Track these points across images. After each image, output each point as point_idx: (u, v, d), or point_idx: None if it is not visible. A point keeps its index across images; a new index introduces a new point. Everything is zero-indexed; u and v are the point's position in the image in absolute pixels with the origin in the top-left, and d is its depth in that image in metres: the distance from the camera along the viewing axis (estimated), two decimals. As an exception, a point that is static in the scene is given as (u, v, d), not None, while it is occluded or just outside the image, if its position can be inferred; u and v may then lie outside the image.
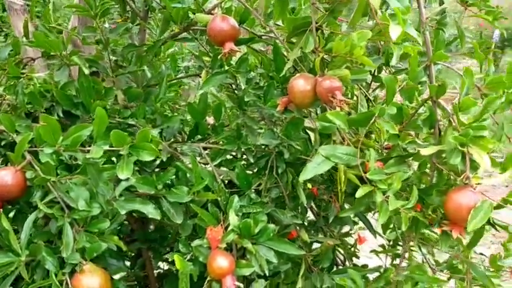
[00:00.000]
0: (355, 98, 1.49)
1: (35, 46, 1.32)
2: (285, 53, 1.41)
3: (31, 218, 1.16)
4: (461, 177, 0.99)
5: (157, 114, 1.52)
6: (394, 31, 0.97)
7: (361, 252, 1.85)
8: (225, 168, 1.59)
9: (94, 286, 1.15)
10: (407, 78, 1.13)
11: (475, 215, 0.94)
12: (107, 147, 1.09)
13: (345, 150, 1.11)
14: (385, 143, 1.31)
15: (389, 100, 1.08)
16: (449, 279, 1.55)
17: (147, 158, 1.10)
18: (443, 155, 1.05)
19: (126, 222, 1.77)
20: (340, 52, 1.18)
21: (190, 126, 1.69)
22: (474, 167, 1.02)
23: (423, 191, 1.10)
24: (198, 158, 1.56)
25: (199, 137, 1.62)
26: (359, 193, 1.05)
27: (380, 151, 1.28)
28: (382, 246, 1.80)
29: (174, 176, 1.39)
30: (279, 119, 1.49)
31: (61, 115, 1.37)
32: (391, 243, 1.79)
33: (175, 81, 1.89)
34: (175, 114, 1.60)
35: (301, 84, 1.24)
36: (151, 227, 1.82)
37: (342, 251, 1.73)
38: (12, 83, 1.26)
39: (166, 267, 1.97)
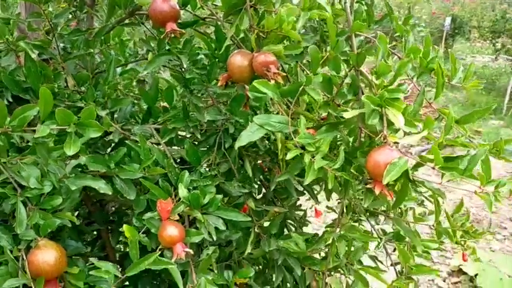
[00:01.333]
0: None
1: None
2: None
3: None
4: (379, 136, 1.10)
5: (108, 98, 1.57)
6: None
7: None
8: (175, 147, 1.66)
9: (50, 259, 1.21)
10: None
11: (390, 169, 1.05)
12: (54, 127, 1.14)
13: (278, 119, 1.20)
14: (322, 114, 1.42)
15: (315, 69, 1.18)
16: (395, 250, 1.69)
17: (93, 134, 1.16)
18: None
19: (83, 205, 1.82)
20: (272, 28, 1.27)
21: (143, 111, 1.76)
22: (393, 129, 1.13)
23: (349, 154, 1.21)
24: (151, 140, 1.62)
25: (152, 120, 1.68)
26: (289, 156, 1.14)
27: (316, 121, 1.38)
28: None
29: (127, 157, 1.46)
30: (223, 97, 1.57)
31: (11, 100, 1.41)
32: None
33: (128, 68, 1.94)
34: (127, 97, 1.64)
35: (238, 59, 1.33)
36: (112, 209, 1.88)
37: (293, 222, 1.83)
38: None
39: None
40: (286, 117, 1.21)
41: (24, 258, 1.21)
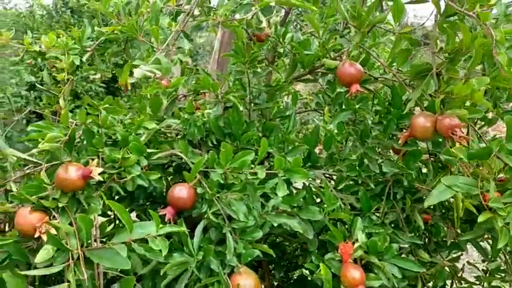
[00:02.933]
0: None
1: (200, 87, 1.64)
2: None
3: (201, 225, 1.45)
4: None
5: (287, 143, 1.78)
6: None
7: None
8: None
9: (250, 285, 1.40)
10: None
11: None
12: (266, 171, 1.35)
13: (465, 181, 1.29)
14: (500, 176, 1.47)
15: (510, 137, 1.26)
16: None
17: (299, 180, 1.35)
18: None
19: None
20: (460, 94, 1.38)
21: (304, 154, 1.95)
22: None
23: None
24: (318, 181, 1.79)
25: (309, 164, 1.85)
26: (481, 218, 1.22)
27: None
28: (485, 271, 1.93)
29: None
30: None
31: (215, 143, 1.67)
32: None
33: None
34: (300, 144, 1.84)
35: (422, 121, 1.46)
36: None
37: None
38: (187, 117, 1.57)
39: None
40: (473, 180, 1.29)
41: (228, 281, 1.41)
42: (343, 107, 1.76)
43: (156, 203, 1.78)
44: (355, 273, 1.40)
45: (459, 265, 1.88)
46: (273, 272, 2.05)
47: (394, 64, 1.63)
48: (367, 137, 1.67)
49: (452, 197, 1.43)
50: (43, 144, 1.25)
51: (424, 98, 1.58)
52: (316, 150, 2.02)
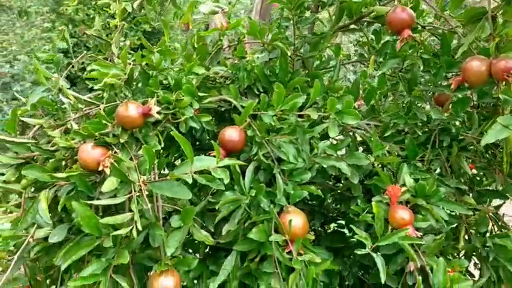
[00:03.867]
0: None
1: (248, 34, 1.65)
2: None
3: (251, 166, 1.49)
4: None
5: (330, 93, 1.79)
6: None
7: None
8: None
9: (299, 223, 1.44)
10: None
11: None
12: (320, 113, 1.38)
13: (523, 121, 1.29)
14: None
15: None
16: None
17: (350, 122, 1.37)
18: None
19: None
20: (516, 36, 1.36)
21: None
22: None
23: None
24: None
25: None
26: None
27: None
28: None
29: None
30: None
31: (261, 90, 1.69)
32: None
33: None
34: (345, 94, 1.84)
35: (476, 65, 1.44)
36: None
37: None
38: (236, 62, 1.60)
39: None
40: (529, 120, 1.29)
41: (278, 219, 1.46)
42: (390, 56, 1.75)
43: (203, 150, 1.83)
44: (404, 213, 1.43)
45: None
46: (313, 221, 2.09)
47: (446, 11, 1.61)
48: (415, 85, 1.66)
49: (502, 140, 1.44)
50: (107, 80, 1.29)
51: (475, 46, 1.56)
52: (356, 105, 2.03)
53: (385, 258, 1.37)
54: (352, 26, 1.90)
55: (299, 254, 1.41)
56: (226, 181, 1.21)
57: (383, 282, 1.31)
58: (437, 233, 1.64)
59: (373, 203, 1.38)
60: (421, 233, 1.42)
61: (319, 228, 2.22)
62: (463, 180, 1.66)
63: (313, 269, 1.33)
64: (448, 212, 1.59)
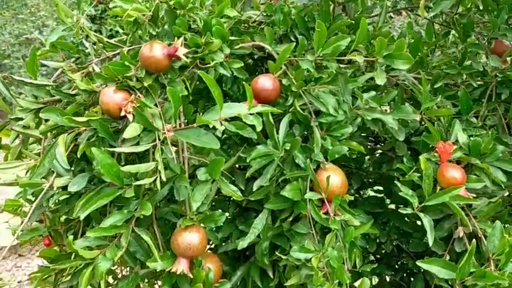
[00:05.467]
0: None
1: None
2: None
3: (286, 118, 1.36)
4: None
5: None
6: None
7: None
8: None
9: (337, 181, 1.31)
10: None
11: None
12: (366, 58, 1.22)
13: None
14: None
15: None
16: None
17: (401, 66, 1.21)
18: None
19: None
20: None
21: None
22: None
23: None
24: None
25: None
26: None
27: None
28: None
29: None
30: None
31: (298, 37, 1.54)
32: None
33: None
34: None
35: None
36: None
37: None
38: (271, 3, 1.45)
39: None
40: None
41: (314, 175, 1.33)
42: None
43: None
44: (455, 172, 1.28)
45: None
46: (350, 185, 1.96)
47: None
48: (471, 30, 1.47)
49: None
50: (130, 12, 1.17)
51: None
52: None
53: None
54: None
55: (336, 215, 1.29)
56: (259, 128, 1.08)
57: (430, 245, 1.17)
58: (491, 197, 1.49)
59: (421, 159, 1.24)
60: (474, 195, 1.26)
61: (355, 193, 2.09)
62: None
63: (352, 230, 1.20)
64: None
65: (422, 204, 1.19)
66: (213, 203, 1.65)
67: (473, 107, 1.52)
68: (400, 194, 1.21)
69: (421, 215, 1.17)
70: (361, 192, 2.16)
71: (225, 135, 1.66)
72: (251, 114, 1.09)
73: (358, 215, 1.47)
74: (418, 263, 1.15)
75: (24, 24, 7.92)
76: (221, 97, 1.07)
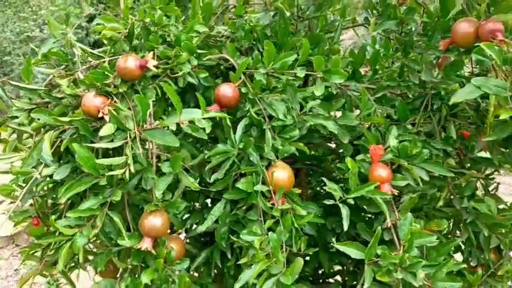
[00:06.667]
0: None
1: (250, -6, 1.72)
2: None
3: (243, 121, 1.58)
4: None
5: (331, 54, 1.84)
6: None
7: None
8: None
9: (284, 177, 1.54)
10: None
11: None
12: (306, 72, 1.44)
13: (496, 83, 1.30)
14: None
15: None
16: None
17: (337, 80, 1.43)
18: None
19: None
20: (508, -1, 1.36)
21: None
22: None
23: None
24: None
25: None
26: (503, 116, 1.24)
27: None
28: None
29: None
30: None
31: (261, 50, 1.76)
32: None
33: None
34: (344, 57, 1.89)
35: (464, 26, 1.46)
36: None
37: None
38: (233, 21, 1.67)
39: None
40: (505, 82, 1.31)
41: (265, 172, 1.55)
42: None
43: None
44: (382, 171, 1.50)
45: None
46: (309, 179, 2.18)
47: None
48: (411, 48, 1.69)
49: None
50: (105, 32, 1.40)
51: (474, 10, 1.57)
52: (362, 72, 2.06)
53: (372, 216, 1.46)
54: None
55: (283, 204, 1.51)
56: (208, 131, 1.31)
57: (345, 229, 1.40)
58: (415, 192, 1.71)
59: (348, 159, 1.46)
60: (398, 191, 1.49)
61: (318, 188, 2.31)
62: (452, 146, 1.69)
63: (289, 217, 1.43)
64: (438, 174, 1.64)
65: (346, 196, 1.42)
66: (185, 194, 1.87)
67: (414, 115, 1.74)
68: (325, 188, 1.43)
69: (340, 205, 1.40)
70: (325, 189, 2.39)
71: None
72: (204, 118, 1.32)
73: (309, 207, 1.70)
74: (336, 245, 1.38)
75: (26, 22, 8.18)
76: (179, 103, 1.30)
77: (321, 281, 2.31)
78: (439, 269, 1.29)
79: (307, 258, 2.10)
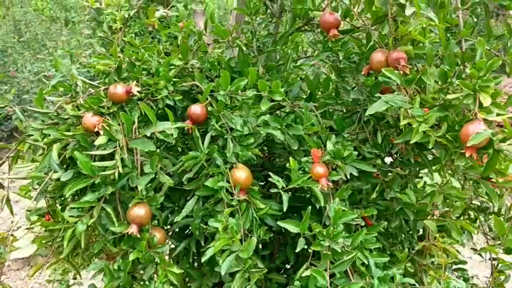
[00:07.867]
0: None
1: (214, 34, 2.16)
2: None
3: (209, 133, 1.99)
4: (471, 113, 1.54)
5: (285, 82, 2.27)
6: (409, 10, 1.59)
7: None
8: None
9: (243, 176, 1.93)
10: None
11: (475, 137, 1.50)
12: (254, 92, 1.87)
13: (400, 98, 1.72)
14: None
15: (429, 62, 1.67)
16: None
17: (278, 97, 1.85)
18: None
19: (261, 157, 2.56)
20: (404, 33, 1.79)
21: (306, 94, 2.43)
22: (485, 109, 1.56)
23: (451, 127, 1.66)
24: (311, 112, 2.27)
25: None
26: (402, 122, 1.65)
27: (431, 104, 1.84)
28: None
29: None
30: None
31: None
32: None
33: (298, 63, 2.64)
34: (297, 81, 2.32)
35: (378, 55, 1.89)
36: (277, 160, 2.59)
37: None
38: (201, 56, 2.11)
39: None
40: (407, 97, 1.72)
41: (228, 173, 1.95)
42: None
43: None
44: (320, 169, 1.90)
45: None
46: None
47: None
48: (344, 73, 2.11)
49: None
50: (98, 67, 1.84)
51: (385, 42, 1.99)
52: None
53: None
54: (305, 28, 2.37)
55: (245, 200, 1.91)
56: (175, 136, 1.72)
57: (284, 210, 1.79)
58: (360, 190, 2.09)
59: (291, 159, 1.86)
60: (332, 185, 1.88)
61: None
62: (384, 151, 2.09)
63: (245, 206, 1.82)
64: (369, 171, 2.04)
65: (288, 186, 1.81)
66: (168, 196, 2.27)
67: (351, 126, 2.15)
68: (270, 179, 1.83)
69: (282, 192, 1.79)
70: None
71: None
72: (173, 128, 1.74)
73: (270, 203, 2.09)
74: (279, 222, 1.76)
75: (43, 63, 8.79)
76: (154, 117, 1.72)
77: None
78: (355, 236, 1.67)
79: (278, 255, 2.48)
